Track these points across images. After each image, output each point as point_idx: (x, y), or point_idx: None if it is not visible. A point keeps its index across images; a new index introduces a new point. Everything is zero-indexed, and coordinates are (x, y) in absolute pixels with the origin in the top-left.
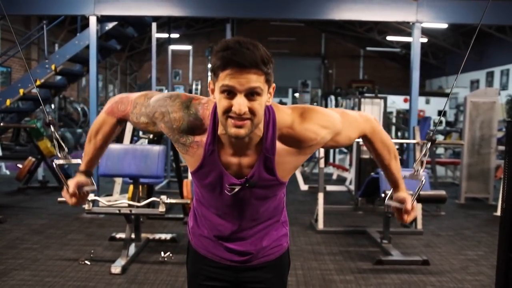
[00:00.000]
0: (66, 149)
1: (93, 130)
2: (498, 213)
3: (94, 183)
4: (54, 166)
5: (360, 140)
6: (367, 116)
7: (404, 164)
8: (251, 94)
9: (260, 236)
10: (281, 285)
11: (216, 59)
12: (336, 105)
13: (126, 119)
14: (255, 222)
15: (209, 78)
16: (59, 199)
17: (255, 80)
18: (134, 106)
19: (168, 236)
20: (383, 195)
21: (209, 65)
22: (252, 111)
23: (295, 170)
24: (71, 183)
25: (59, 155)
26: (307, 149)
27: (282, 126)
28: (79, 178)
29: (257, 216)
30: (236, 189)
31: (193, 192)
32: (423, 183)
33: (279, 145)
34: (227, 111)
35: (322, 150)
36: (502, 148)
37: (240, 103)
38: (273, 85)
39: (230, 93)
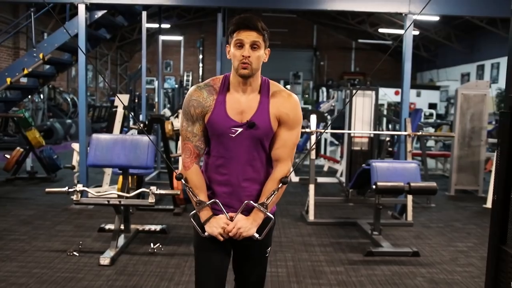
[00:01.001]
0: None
1: (194, 185)
2: (488, 205)
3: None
4: (193, 221)
5: (352, 132)
6: (292, 157)
7: (395, 156)
8: (253, 46)
9: (254, 191)
10: (267, 237)
11: (233, 24)
12: (328, 97)
13: (199, 154)
14: (251, 171)
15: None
16: (47, 189)
17: (256, 36)
18: (187, 138)
19: (157, 228)
20: (374, 186)
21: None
22: (253, 59)
23: (276, 125)
24: (220, 226)
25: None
26: (278, 111)
27: (274, 89)
28: (209, 213)
29: (253, 163)
30: (239, 131)
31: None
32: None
33: (271, 97)
34: (239, 58)
35: (313, 142)
36: (492, 140)
37: (246, 49)
38: (268, 49)
39: (241, 45)
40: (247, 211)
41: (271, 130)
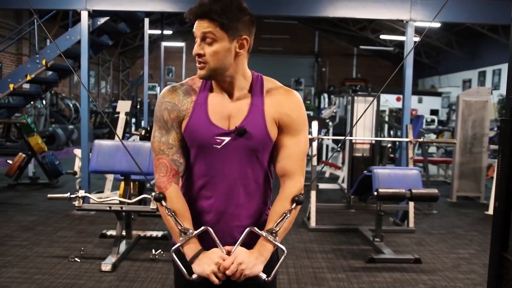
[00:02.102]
0: (191, 231)
1: (174, 207)
2: (490, 211)
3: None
4: (173, 256)
5: (353, 139)
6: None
7: (396, 162)
8: (204, 38)
9: (247, 218)
10: (271, 283)
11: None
12: (329, 103)
13: (178, 171)
14: (244, 195)
15: None
16: (49, 195)
17: (207, 26)
18: (160, 151)
19: (159, 234)
20: (375, 193)
21: None
22: (207, 56)
23: (275, 132)
24: (214, 262)
25: (178, 242)
26: (278, 113)
27: (269, 86)
28: (197, 247)
29: (246, 182)
30: (226, 140)
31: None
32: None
33: (266, 97)
34: (194, 51)
35: (314, 148)
36: (494, 147)
37: (195, 46)
38: (244, 37)
39: (195, 38)
40: (248, 244)
41: (269, 138)
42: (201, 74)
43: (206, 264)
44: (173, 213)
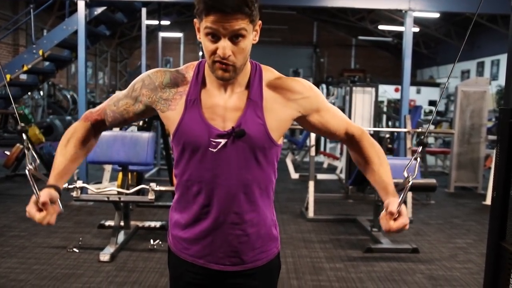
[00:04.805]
0: (38, 161)
1: (63, 139)
2: (487, 202)
3: (60, 205)
4: (27, 173)
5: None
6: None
7: (395, 152)
8: (236, 36)
9: (251, 226)
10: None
11: (198, 2)
12: (328, 94)
13: (103, 121)
14: (246, 203)
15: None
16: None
17: (239, 23)
18: (110, 99)
19: (157, 224)
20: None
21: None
22: (236, 54)
23: (282, 130)
24: (43, 193)
25: (29, 166)
26: (293, 102)
27: (269, 78)
28: (51, 191)
29: (247, 190)
30: (222, 143)
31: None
32: (407, 188)
33: (266, 91)
34: (213, 53)
35: (313, 139)
36: (492, 137)
37: (225, 47)
38: (259, 22)
39: (214, 36)
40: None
41: (269, 138)
42: (226, 76)
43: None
44: (30, 148)
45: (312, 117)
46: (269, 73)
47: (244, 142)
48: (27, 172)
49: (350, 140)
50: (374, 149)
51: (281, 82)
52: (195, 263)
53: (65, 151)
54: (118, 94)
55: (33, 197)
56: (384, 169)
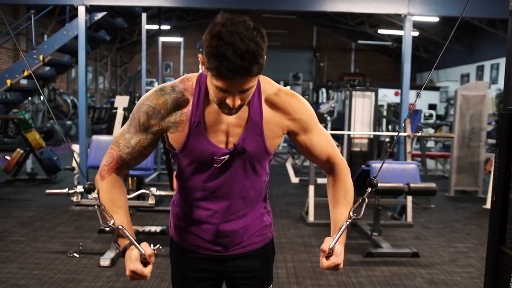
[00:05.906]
0: (113, 220)
1: (109, 208)
2: (487, 206)
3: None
4: (123, 232)
5: (351, 133)
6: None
7: (395, 157)
8: (244, 91)
9: (246, 220)
10: (268, 272)
11: (209, 60)
12: (328, 98)
13: (123, 167)
14: (242, 204)
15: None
16: (47, 191)
17: (249, 83)
18: (116, 143)
19: (158, 229)
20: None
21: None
22: (244, 100)
23: (277, 143)
24: (145, 247)
25: (120, 226)
26: (287, 121)
27: (268, 92)
28: (142, 243)
29: (245, 194)
30: (225, 158)
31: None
32: (343, 228)
33: (265, 108)
34: (222, 100)
35: None
36: (491, 141)
37: (234, 100)
38: (264, 56)
39: (223, 91)
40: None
41: (266, 152)
42: (232, 113)
43: (127, 265)
44: (103, 207)
45: (299, 136)
46: (267, 86)
47: (245, 156)
48: (121, 231)
49: (330, 169)
50: (345, 187)
51: (278, 100)
52: (198, 250)
53: (118, 199)
54: (123, 134)
55: (132, 254)
56: (344, 209)
